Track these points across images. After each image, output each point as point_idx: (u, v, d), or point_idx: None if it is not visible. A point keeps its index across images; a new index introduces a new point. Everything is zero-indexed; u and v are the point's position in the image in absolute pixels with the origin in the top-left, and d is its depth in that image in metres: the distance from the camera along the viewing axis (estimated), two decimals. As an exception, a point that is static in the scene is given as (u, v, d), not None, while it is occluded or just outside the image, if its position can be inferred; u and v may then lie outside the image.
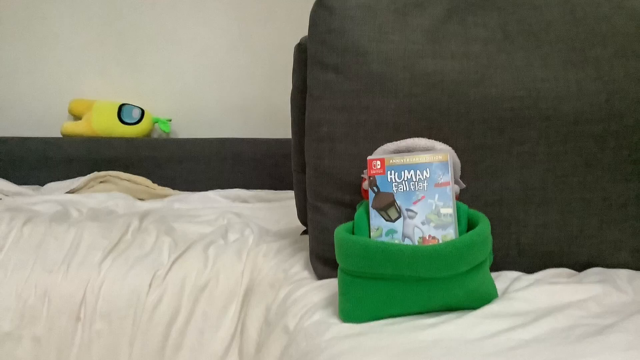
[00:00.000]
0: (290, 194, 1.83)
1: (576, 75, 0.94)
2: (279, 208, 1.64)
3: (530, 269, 0.96)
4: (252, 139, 2.06)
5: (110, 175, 1.82)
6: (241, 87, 2.20)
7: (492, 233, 0.95)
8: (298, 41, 1.13)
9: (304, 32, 1.93)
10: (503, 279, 0.90)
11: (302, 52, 1.09)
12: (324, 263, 1.00)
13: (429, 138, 0.94)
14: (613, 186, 0.95)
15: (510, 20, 0.98)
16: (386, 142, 0.95)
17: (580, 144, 0.94)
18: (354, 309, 0.77)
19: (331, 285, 0.94)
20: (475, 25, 0.98)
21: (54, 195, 1.64)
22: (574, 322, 0.70)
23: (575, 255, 0.95)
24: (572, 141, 0.94)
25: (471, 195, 0.96)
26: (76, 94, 2.16)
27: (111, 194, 1.68)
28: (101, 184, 1.80)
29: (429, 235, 0.78)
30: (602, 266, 0.95)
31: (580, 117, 0.93)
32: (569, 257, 0.95)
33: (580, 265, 0.96)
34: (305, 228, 1.28)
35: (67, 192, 1.72)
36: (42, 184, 1.93)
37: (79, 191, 1.76)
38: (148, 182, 1.86)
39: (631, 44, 0.94)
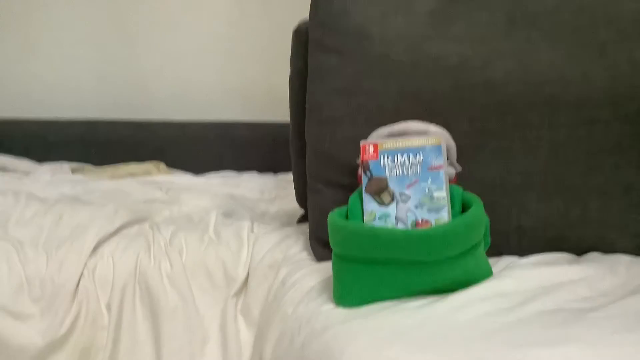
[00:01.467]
0: (289, 176, 1.83)
1: (581, 60, 0.92)
2: (278, 190, 1.65)
3: (531, 254, 0.95)
4: (251, 122, 2.06)
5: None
6: (241, 70, 2.17)
7: (494, 217, 0.95)
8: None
9: (305, 13, 1.90)
10: (501, 264, 0.89)
11: (300, 36, 1.08)
12: (323, 245, 1.00)
13: (431, 122, 0.93)
14: (616, 172, 0.93)
15: (515, 3, 0.96)
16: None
17: (584, 129, 0.92)
18: (347, 293, 0.78)
19: (329, 268, 0.94)
20: (480, 8, 0.96)
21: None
22: (560, 306, 0.70)
23: (577, 241, 0.94)
24: (576, 126, 0.92)
25: (473, 179, 0.95)
26: (73, 76, 2.16)
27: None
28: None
29: (422, 219, 0.78)
30: (603, 252, 0.94)
31: (584, 102, 0.91)
32: (571, 242, 0.94)
33: (581, 251, 0.94)
34: (301, 215, 1.29)
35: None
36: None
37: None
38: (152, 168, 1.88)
39: (636, 28, 0.91)
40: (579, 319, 0.65)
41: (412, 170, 0.79)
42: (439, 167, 0.78)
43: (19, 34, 2.14)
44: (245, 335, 1.06)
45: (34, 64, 2.16)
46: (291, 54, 1.12)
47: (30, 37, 2.14)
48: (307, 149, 1.04)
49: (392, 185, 0.79)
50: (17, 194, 1.35)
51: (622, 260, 0.87)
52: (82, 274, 1.09)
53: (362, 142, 0.82)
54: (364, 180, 0.80)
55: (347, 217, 0.82)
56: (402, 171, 0.79)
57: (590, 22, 0.93)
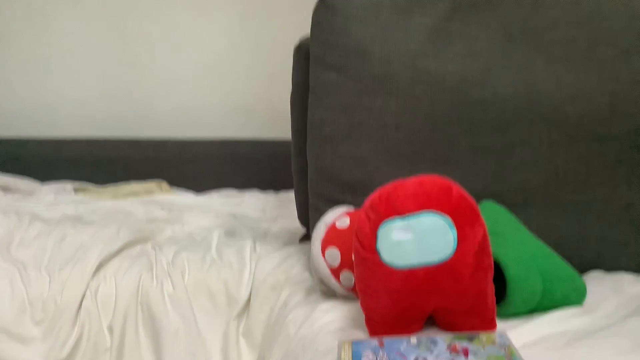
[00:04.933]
0: (291, 194, 1.82)
1: (579, 76, 0.92)
2: (280, 208, 1.65)
3: (533, 272, 0.94)
4: (253, 140, 2.06)
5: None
6: (242, 88, 2.18)
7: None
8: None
9: (306, 31, 1.91)
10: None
11: (301, 53, 1.09)
12: (325, 265, 1.00)
13: (431, 138, 0.93)
14: (615, 188, 0.92)
15: (513, 19, 0.96)
16: (388, 142, 0.95)
17: (583, 146, 0.92)
18: None
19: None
20: (478, 24, 0.97)
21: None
22: (565, 327, 0.69)
23: (578, 258, 0.94)
24: (575, 142, 0.92)
25: (473, 197, 0.94)
26: (76, 95, 2.17)
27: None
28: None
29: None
30: (604, 269, 0.93)
31: (582, 118, 0.91)
32: (571, 260, 0.93)
33: (582, 269, 0.94)
34: (303, 234, 1.28)
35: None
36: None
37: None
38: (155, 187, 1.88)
39: (635, 43, 0.91)
40: (586, 339, 0.64)
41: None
42: None
43: (23, 53, 2.15)
44: (247, 358, 1.05)
45: (37, 83, 2.17)
46: (292, 71, 1.13)
47: (34, 56, 2.16)
48: (308, 166, 1.03)
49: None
50: (20, 215, 1.36)
51: (625, 279, 0.87)
52: (84, 295, 1.08)
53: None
54: None
55: None
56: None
57: (588, 38, 0.93)
